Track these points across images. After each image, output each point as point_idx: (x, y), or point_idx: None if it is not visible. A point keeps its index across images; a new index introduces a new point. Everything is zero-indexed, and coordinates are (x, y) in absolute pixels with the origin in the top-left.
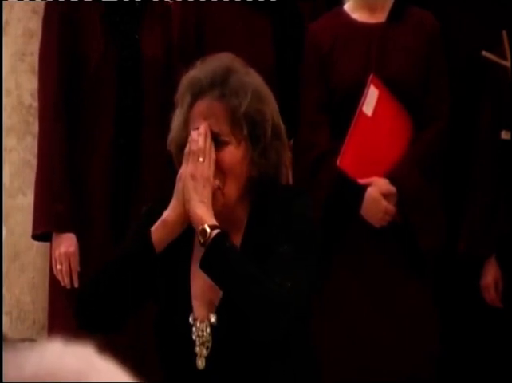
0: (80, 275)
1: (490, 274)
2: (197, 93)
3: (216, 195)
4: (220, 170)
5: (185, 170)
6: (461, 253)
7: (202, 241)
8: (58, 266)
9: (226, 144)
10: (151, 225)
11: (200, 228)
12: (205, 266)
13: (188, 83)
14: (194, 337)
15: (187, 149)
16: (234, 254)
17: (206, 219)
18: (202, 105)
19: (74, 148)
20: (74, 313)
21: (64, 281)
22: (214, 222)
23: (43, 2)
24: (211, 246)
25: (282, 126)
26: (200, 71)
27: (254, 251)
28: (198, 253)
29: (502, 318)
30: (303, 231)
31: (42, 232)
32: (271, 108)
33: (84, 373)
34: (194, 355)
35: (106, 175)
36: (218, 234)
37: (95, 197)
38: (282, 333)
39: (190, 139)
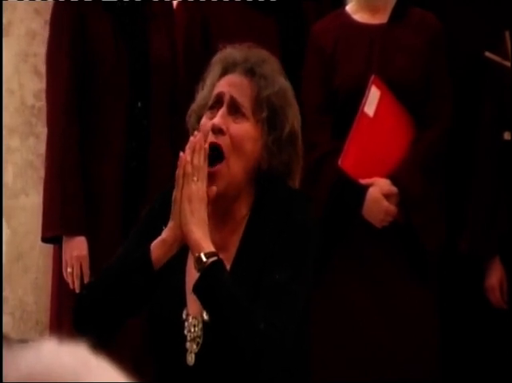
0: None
1: (495, 275)
2: (228, 67)
3: (222, 169)
4: (232, 143)
5: (179, 193)
6: (462, 253)
7: (197, 268)
8: (69, 270)
9: (245, 117)
10: (153, 227)
11: (196, 255)
12: (197, 292)
13: (221, 57)
14: (185, 333)
15: (178, 172)
16: (225, 286)
17: (203, 246)
18: (230, 77)
19: (85, 150)
20: (72, 315)
21: (75, 284)
22: (211, 248)
23: (45, 3)
24: (205, 274)
25: (300, 137)
26: (236, 50)
27: (249, 255)
28: None
29: (506, 319)
30: (300, 240)
31: (53, 235)
32: (293, 112)
33: (80, 373)
34: (185, 350)
35: (117, 177)
36: (213, 262)
37: (106, 200)
38: (268, 369)
39: (180, 161)
